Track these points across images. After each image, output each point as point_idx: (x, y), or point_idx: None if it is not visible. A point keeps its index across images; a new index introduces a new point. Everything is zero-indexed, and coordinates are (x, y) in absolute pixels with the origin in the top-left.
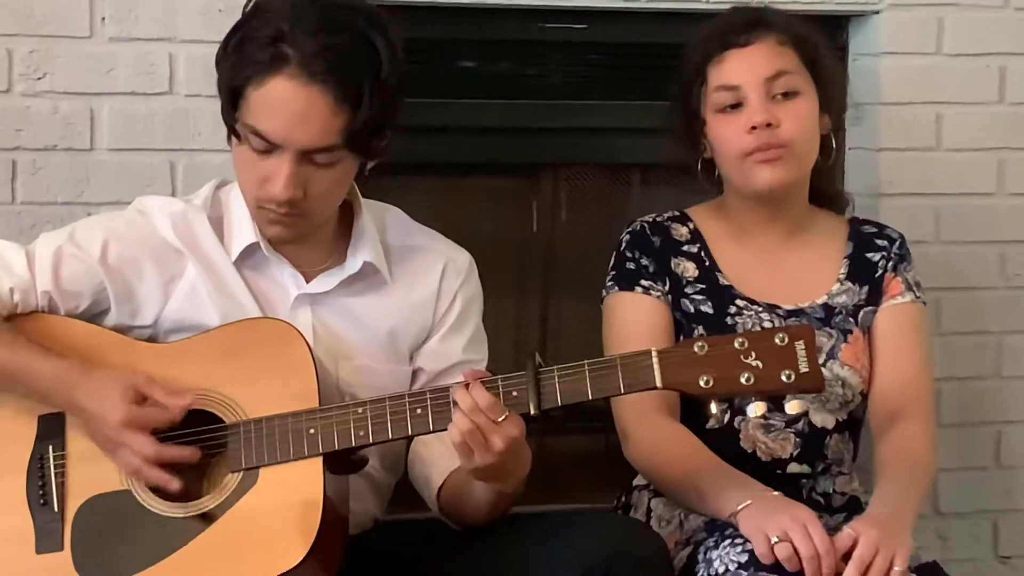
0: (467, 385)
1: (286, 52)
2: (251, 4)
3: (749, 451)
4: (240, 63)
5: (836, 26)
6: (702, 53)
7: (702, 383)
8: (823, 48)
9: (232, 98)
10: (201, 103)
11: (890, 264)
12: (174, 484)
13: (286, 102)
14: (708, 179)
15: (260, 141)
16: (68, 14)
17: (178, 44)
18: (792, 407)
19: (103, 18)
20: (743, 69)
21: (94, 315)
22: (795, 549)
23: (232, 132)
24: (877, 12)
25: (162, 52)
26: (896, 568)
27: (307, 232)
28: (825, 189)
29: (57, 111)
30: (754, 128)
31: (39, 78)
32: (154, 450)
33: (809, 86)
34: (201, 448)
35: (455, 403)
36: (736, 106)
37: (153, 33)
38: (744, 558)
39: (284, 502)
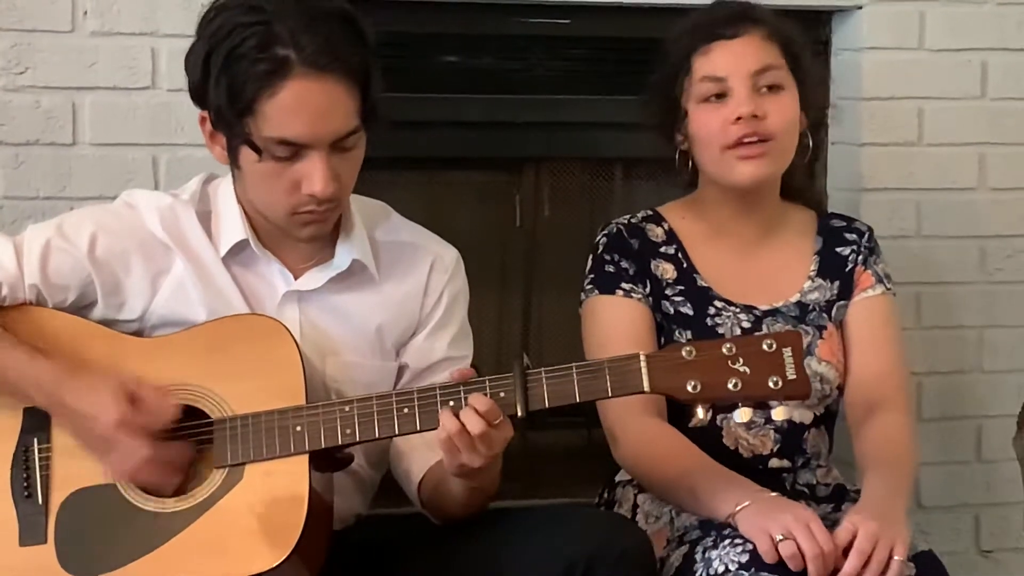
0: (463, 392)
1: (285, 55)
2: (208, 26)
3: (731, 448)
4: (238, 82)
5: (819, 21)
6: (688, 44)
7: (690, 388)
8: (805, 47)
9: (239, 118)
10: (183, 97)
11: (860, 257)
12: (172, 482)
13: (306, 102)
14: (684, 171)
15: (287, 148)
16: (50, 8)
17: (160, 38)
18: (778, 413)
19: (85, 12)
20: (730, 61)
21: (81, 308)
22: (799, 548)
23: (251, 147)
24: (859, 7)
25: (144, 46)
26: (896, 558)
27: (334, 220)
28: (799, 185)
29: (39, 105)
30: (739, 119)
31: (21, 72)
32: (150, 451)
33: (792, 83)
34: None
35: (448, 405)
36: (720, 97)
37: (135, 27)
38: (745, 558)
39: (269, 499)
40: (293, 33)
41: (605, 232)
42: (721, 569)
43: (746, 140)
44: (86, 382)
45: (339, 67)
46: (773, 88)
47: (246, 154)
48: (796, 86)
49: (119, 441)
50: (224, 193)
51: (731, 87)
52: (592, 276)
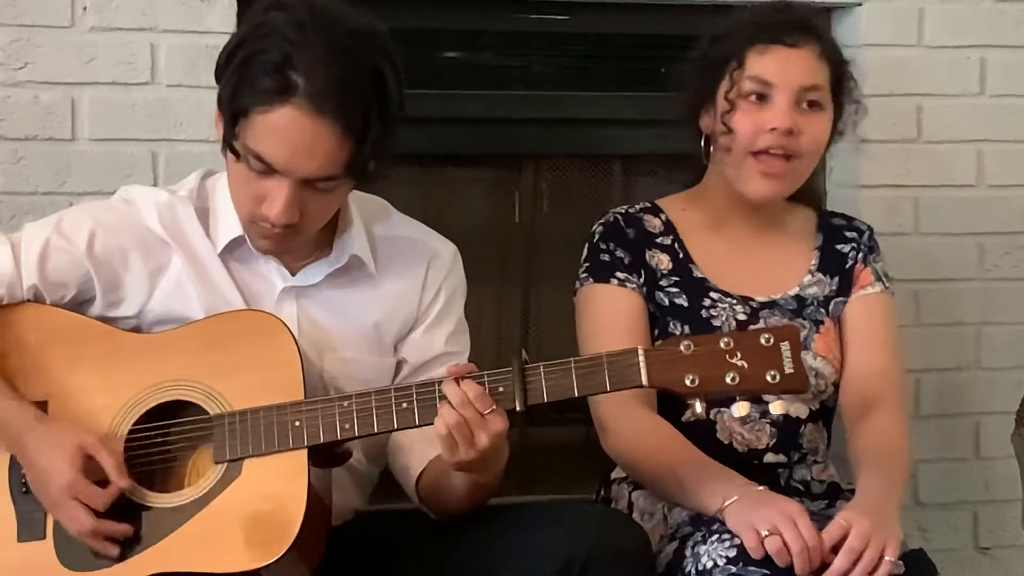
0: (456, 379)
1: (295, 81)
2: (258, 16)
3: (726, 442)
4: (244, 85)
5: (818, 18)
6: (747, 36)
7: (688, 382)
8: (850, 72)
9: (233, 117)
10: (182, 93)
11: (860, 255)
12: (112, 552)
13: (292, 132)
14: (704, 157)
15: (260, 164)
16: (49, 3)
17: (159, 34)
18: (776, 407)
19: (84, 7)
20: (783, 69)
21: (79, 304)
22: (785, 543)
23: (230, 149)
24: (859, 4)
25: (143, 42)
26: (886, 558)
27: (296, 246)
28: (803, 187)
29: (38, 101)
30: (774, 129)
31: (20, 68)
32: (91, 526)
33: (830, 105)
34: (183, 439)
35: (444, 396)
36: (761, 99)
37: (134, 23)
38: (732, 553)
39: (268, 494)
40: (311, 65)
41: (602, 221)
42: (709, 564)
43: (772, 151)
44: (51, 432)
45: (339, 114)
46: (813, 106)
47: (230, 152)
48: (832, 109)
49: (66, 506)
50: (222, 189)
51: (774, 94)
52: (587, 264)
